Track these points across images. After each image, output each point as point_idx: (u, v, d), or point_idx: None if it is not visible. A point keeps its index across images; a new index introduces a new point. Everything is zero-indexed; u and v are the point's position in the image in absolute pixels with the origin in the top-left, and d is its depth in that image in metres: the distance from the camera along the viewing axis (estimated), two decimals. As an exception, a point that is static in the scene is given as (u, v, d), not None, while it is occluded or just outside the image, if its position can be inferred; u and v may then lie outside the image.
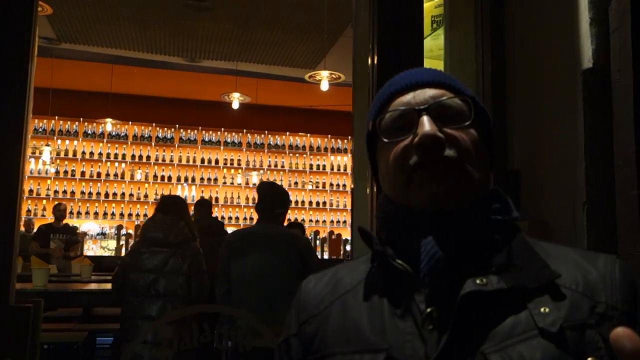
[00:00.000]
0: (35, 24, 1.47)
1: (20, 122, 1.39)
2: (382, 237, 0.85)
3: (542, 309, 0.71)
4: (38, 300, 1.44)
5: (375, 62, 1.72)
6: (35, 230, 7.65)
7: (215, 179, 10.55)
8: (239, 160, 10.73)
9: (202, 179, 10.48)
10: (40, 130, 9.81)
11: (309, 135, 11.01)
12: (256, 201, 3.49)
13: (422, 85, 0.83)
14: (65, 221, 8.43)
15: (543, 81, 1.65)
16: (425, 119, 0.79)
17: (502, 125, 1.75)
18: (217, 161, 10.59)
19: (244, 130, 10.71)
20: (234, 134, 10.75)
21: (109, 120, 8.75)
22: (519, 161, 1.71)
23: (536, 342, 0.68)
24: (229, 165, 10.65)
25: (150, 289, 3.34)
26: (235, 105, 8.37)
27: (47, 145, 8.70)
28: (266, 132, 10.82)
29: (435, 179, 0.77)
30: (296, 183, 10.87)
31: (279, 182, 8.43)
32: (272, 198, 3.39)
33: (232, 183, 10.59)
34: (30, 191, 9.70)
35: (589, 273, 0.76)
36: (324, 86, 6.46)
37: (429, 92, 0.82)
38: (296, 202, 10.66)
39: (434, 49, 2.42)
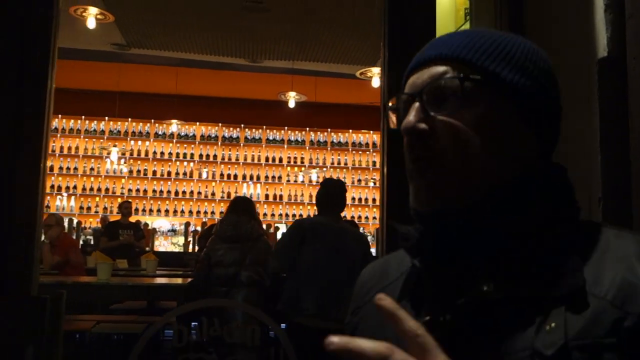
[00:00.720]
0: (55, 28, 1.56)
1: (41, 121, 1.48)
2: (409, 231, 0.76)
3: (548, 325, 0.60)
4: (60, 292, 1.53)
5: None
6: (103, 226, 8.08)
7: (280, 177, 10.72)
8: (302, 158, 10.85)
9: (266, 177, 10.68)
10: (115, 131, 10.32)
11: (371, 132, 10.97)
12: (319, 195, 3.63)
13: (430, 61, 0.72)
14: (137, 218, 8.87)
15: (560, 72, 1.59)
16: (413, 107, 0.70)
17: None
18: (280, 159, 10.76)
19: (307, 129, 10.81)
20: (297, 132, 10.88)
21: (174, 121, 9.08)
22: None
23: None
24: (292, 163, 10.80)
25: (234, 280, 3.85)
26: (292, 104, 8.47)
27: (114, 146, 9.13)
28: (329, 129, 10.88)
29: (417, 177, 0.71)
30: (359, 180, 10.86)
31: (342, 179, 8.47)
32: (339, 195, 3.55)
33: (295, 181, 10.73)
34: (106, 190, 10.23)
35: (633, 273, 0.60)
36: (375, 83, 6.44)
37: (430, 71, 0.71)
38: (359, 199, 10.65)
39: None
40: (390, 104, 0.77)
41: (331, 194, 3.53)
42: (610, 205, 1.40)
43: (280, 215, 10.50)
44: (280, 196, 10.61)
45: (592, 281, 0.61)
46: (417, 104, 0.70)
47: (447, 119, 0.68)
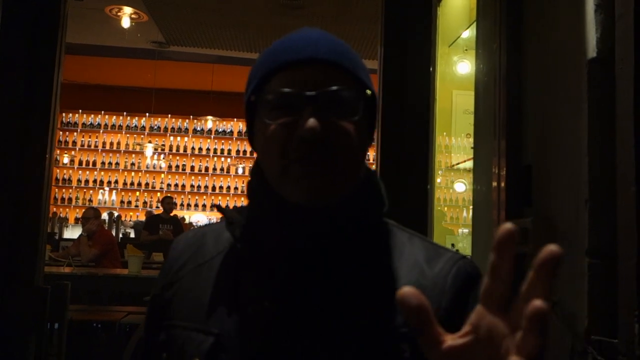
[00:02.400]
0: (64, 25, 1.64)
1: (47, 115, 1.56)
2: (243, 214, 0.81)
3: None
4: (65, 283, 1.61)
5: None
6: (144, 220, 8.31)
7: (315, 173, 10.75)
8: (337, 154, 10.85)
9: (301, 173, 10.72)
10: (155, 127, 10.57)
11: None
12: None
13: (316, 62, 0.75)
14: (175, 212, 9.06)
15: (554, 73, 1.58)
16: (311, 111, 0.72)
17: (518, 119, 1.69)
18: (316, 155, 10.78)
19: (343, 125, 10.81)
20: (332, 128, 10.88)
21: (210, 117, 9.22)
22: (532, 156, 1.64)
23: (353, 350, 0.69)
24: (327, 159, 10.81)
25: None
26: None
27: (149, 142, 9.34)
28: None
29: (313, 176, 0.73)
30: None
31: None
32: None
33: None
34: (146, 184, 10.50)
35: (423, 277, 0.74)
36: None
37: (320, 76, 0.74)
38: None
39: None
40: (271, 93, 0.76)
41: None
42: (596, 207, 1.38)
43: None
44: (315, 192, 10.64)
45: (393, 279, 0.74)
46: (312, 108, 0.72)
47: (343, 124, 0.74)
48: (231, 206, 9.74)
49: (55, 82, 1.61)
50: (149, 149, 9.01)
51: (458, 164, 2.62)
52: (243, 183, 10.68)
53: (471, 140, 2.47)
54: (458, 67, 2.80)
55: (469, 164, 2.49)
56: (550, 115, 1.58)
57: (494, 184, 1.73)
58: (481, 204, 1.91)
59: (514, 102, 1.69)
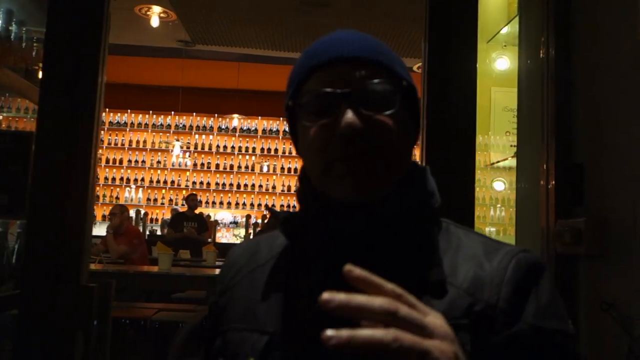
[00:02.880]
0: (107, 25, 1.64)
1: (92, 115, 1.56)
2: (292, 215, 0.82)
3: None
4: (109, 281, 1.62)
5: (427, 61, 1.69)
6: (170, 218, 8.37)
7: (339, 171, 10.72)
8: (362, 152, 10.80)
9: (326, 171, 10.70)
10: (180, 126, 10.64)
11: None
12: None
13: (346, 61, 0.75)
14: (201, 210, 9.12)
15: (606, 65, 1.53)
16: (347, 106, 0.73)
17: (567, 115, 1.64)
18: (341, 153, 10.75)
19: (367, 123, 10.75)
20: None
21: (235, 115, 9.25)
22: (584, 154, 1.60)
23: None
24: (352, 157, 10.77)
25: None
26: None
27: (177, 140, 9.40)
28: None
29: (357, 172, 0.73)
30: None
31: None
32: None
33: (355, 175, 10.70)
34: (172, 182, 10.58)
35: (481, 269, 0.73)
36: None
37: (354, 73, 0.75)
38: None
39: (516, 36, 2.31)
40: (307, 95, 0.77)
41: None
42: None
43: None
44: (338, 190, 10.62)
45: (450, 273, 0.73)
46: (348, 104, 0.73)
47: (380, 118, 0.74)
48: (255, 204, 9.77)
49: (100, 82, 1.61)
50: (176, 147, 9.08)
51: (498, 162, 2.57)
52: (267, 181, 10.71)
53: (510, 138, 2.42)
54: (497, 63, 2.75)
55: (508, 162, 2.45)
56: (603, 110, 1.54)
57: (542, 182, 1.68)
58: (526, 203, 1.87)
59: (564, 98, 1.64)
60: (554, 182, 1.62)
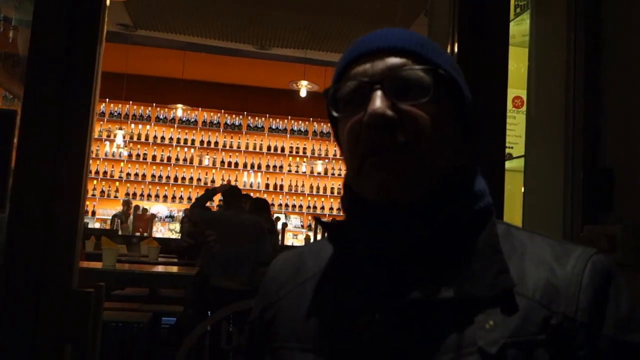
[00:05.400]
0: (104, 9, 1.45)
1: (87, 104, 1.37)
2: (338, 224, 0.78)
3: (487, 324, 0.64)
4: (100, 285, 1.43)
5: (456, 50, 1.59)
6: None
7: (281, 167, 10.60)
8: (304, 148, 10.73)
9: (267, 166, 10.55)
10: (115, 114, 10.15)
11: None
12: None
13: (382, 52, 0.72)
14: (136, 203, 8.73)
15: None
16: (376, 94, 0.69)
17: (596, 119, 1.59)
18: (283, 149, 10.63)
19: (311, 119, 10.68)
20: (300, 122, 10.74)
21: (179, 105, 8.93)
22: (614, 158, 1.55)
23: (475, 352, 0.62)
24: (294, 153, 10.68)
25: None
26: (303, 94, 8.35)
27: (120, 129, 8.98)
28: (333, 121, 10.72)
29: (385, 167, 0.68)
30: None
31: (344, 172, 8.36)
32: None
33: (297, 171, 10.62)
34: (105, 173, 10.07)
35: (554, 275, 0.67)
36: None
37: (387, 62, 0.71)
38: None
39: (516, 35, 2.26)
40: (333, 90, 0.74)
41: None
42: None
43: (280, 205, 10.39)
44: (281, 186, 10.49)
45: (518, 281, 0.66)
46: (379, 92, 0.69)
47: (412, 108, 0.69)
48: (193, 197, 9.50)
49: (95, 71, 1.42)
50: (119, 136, 8.65)
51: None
52: (207, 175, 10.41)
53: (512, 139, 2.37)
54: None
55: (508, 164, 2.40)
56: (634, 112, 1.49)
57: (565, 186, 1.63)
58: (537, 207, 1.82)
59: (591, 101, 1.59)
60: (580, 187, 1.57)
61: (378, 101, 0.68)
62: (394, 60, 0.71)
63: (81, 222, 1.37)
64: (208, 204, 5.21)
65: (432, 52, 0.73)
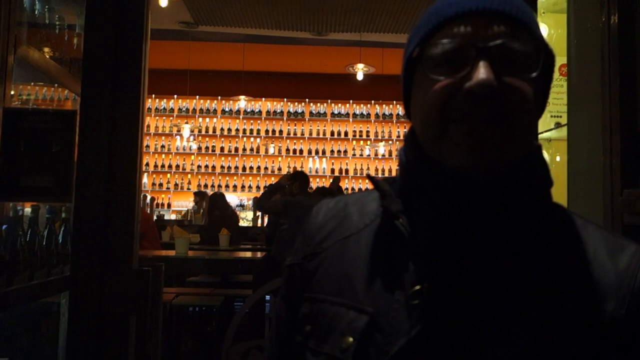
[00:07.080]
0: (147, 7, 1.57)
1: (137, 99, 1.50)
2: (394, 186, 0.76)
3: (536, 310, 0.64)
4: (159, 265, 1.56)
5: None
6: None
7: (345, 151, 10.68)
8: (367, 131, 10.75)
9: (332, 151, 10.66)
10: (183, 109, 10.54)
11: (438, 103, 10.69)
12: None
13: (488, 14, 0.66)
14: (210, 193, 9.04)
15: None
16: (484, 63, 0.64)
17: (632, 83, 1.58)
18: (346, 133, 10.70)
19: (372, 102, 10.68)
20: (362, 105, 10.76)
21: (242, 97, 9.16)
22: (651, 121, 1.53)
23: (521, 339, 0.63)
24: (357, 137, 10.72)
25: None
26: (360, 77, 8.35)
27: (186, 123, 9.31)
28: (394, 102, 10.69)
29: (478, 137, 0.65)
30: (426, 153, 10.65)
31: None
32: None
33: (361, 155, 10.66)
34: (177, 166, 10.50)
35: (606, 272, 0.66)
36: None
37: (495, 27, 0.66)
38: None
39: (558, 1, 2.23)
40: (439, 43, 0.68)
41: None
42: None
43: (347, 189, 10.48)
44: (347, 170, 10.58)
45: (567, 273, 0.67)
46: (486, 60, 0.65)
47: (518, 82, 0.66)
48: (262, 186, 9.73)
49: (143, 67, 1.54)
50: (186, 130, 8.97)
51: (540, 133, 2.49)
52: (273, 163, 10.64)
53: (550, 108, 2.34)
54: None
55: (548, 135, 2.38)
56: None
57: (604, 151, 1.62)
58: (581, 173, 1.81)
59: (626, 66, 1.57)
60: (619, 151, 1.56)
61: (486, 70, 0.64)
62: (501, 27, 0.66)
63: (138, 211, 1.51)
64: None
65: (535, 23, 0.70)
